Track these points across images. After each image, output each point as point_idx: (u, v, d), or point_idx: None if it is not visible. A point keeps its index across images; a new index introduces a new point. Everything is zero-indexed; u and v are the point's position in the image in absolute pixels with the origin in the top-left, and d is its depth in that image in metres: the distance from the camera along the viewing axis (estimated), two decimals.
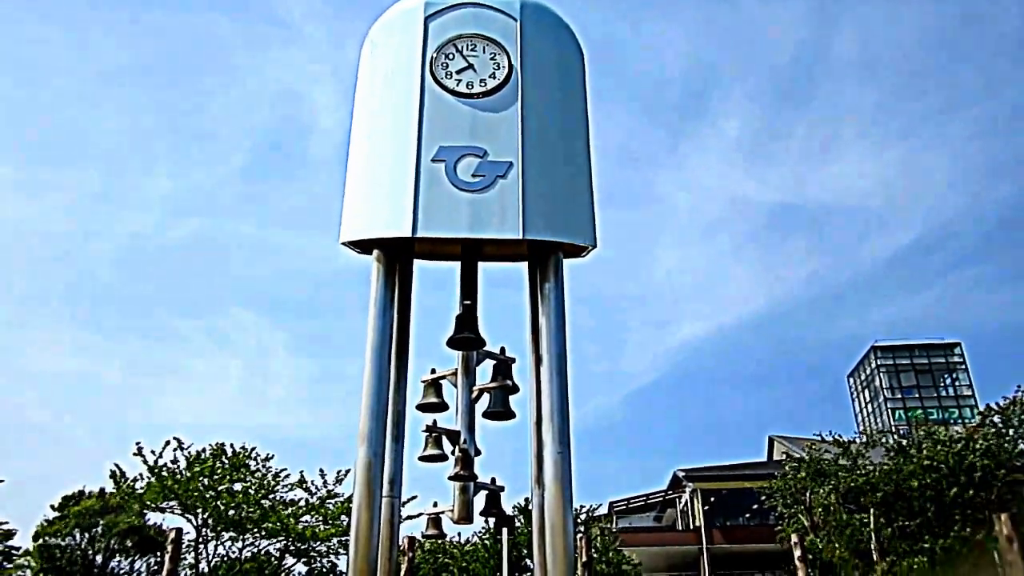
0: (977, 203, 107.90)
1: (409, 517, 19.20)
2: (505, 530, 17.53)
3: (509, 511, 25.50)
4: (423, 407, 4.95)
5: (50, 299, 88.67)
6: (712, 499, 42.03)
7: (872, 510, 22.50)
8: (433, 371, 5.02)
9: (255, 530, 22.83)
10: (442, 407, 4.95)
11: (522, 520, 25.49)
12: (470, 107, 4.69)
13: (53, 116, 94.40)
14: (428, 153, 4.52)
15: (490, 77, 4.76)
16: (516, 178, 4.49)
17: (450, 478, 4.65)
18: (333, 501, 23.60)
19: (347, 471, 22.65)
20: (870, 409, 72.65)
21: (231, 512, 22.28)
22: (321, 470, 23.77)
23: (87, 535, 29.82)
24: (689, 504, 42.93)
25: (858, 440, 25.37)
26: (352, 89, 4.96)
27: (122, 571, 30.49)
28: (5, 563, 29.10)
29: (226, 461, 22.81)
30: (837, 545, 23.13)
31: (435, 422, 4.88)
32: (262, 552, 23.91)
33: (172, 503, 22.28)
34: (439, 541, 24.96)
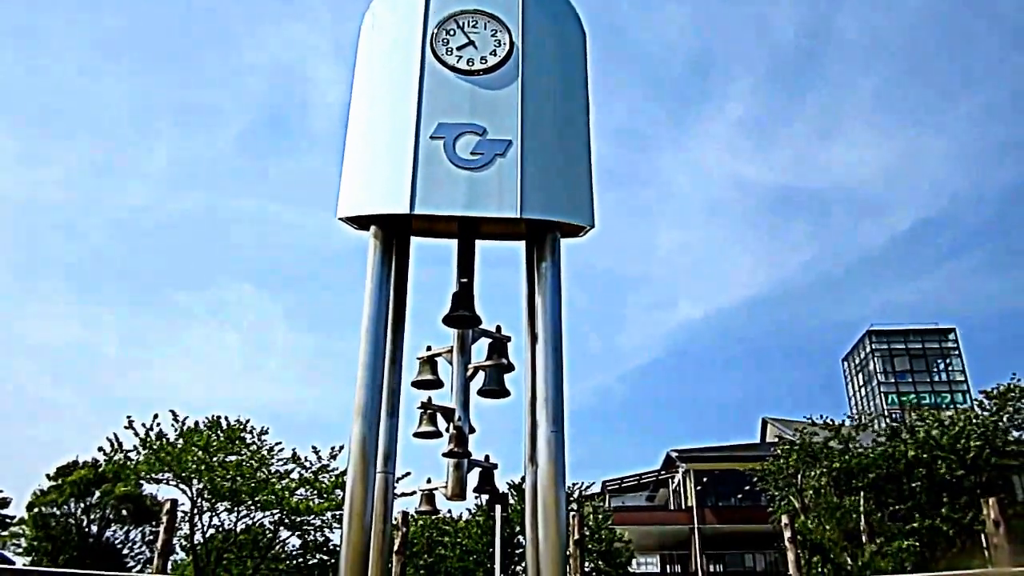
0: (976, 189, 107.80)
1: (403, 494, 19.26)
2: (498, 507, 17.65)
3: (502, 488, 25.67)
4: (418, 384, 4.97)
5: (48, 271, 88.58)
6: (704, 480, 42.36)
7: (862, 492, 22.71)
8: (429, 348, 5.03)
9: (249, 503, 22.97)
10: (437, 384, 4.96)
11: (515, 497, 25.68)
12: (470, 84, 4.66)
13: (52, 87, 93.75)
14: (427, 130, 4.50)
15: (491, 54, 4.73)
16: (515, 156, 4.47)
17: (444, 455, 4.67)
18: (327, 475, 23.73)
19: (341, 447, 22.77)
20: (863, 393, 73.04)
21: (226, 484, 22.41)
22: (314, 447, 23.90)
23: (82, 504, 30.00)
24: (682, 484, 43.26)
25: (848, 423, 25.55)
26: (352, 64, 4.93)
27: (117, 540, 30.71)
28: (0, 531, 29.29)
29: (221, 434, 22.91)
30: (827, 527, 23.36)
31: (430, 399, 4.90)
32: (256, 524, 24.09)
33: (167, 474, 22.40)
34: (432, 517, 25.14)
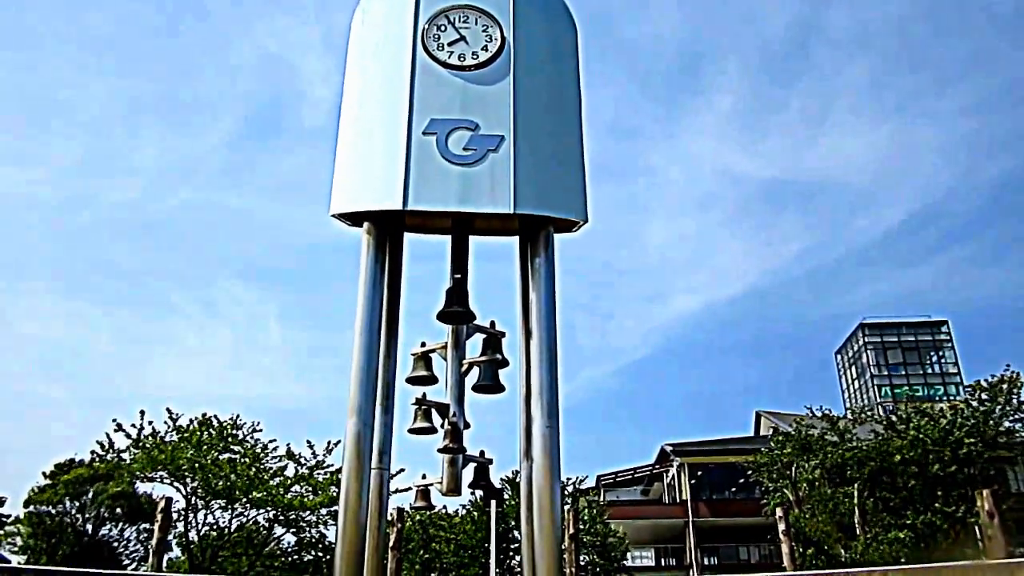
0: (968, 180, 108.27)
1: (398, 491, 19.34)
2: (493, 502, 17.68)
3: (497, 484, 25.69)
4: (413, 380, 4.97)
5: (39, 268, 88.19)
6: (699, 473, 42.43)
7: (856, 485, 22.79)
8: (423, 344, 5.03)
9: (244, 500, 22.95)
10: (432, 380, 4.97)
11: (510, 492, 25.71)
12: (462, 80, 4.65)
13: (40, 85, 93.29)
14: (419, 126, 4.50)
15: (482, 50, 4.73)
16: (507, 152, 4.47)
17: (439, 451, 4.68)
18: (322, 472, 23.71)
19: (337, 442, 22.75)
20: (857, 386, 73.33)
21: (219, 482, 22.38)
22: (309, 442, 23.86)
23: (77, 503, 29.92)
24: (676, 478, 43.35)
25: (847, 416, 25.65)
26: (343, 58, 4.92)
27: (112, 539, 30.65)
28: None
29: (212, 432, 22.87)
30: (821, 519, 23.45)
31: (425, 395, 4.90)
32: (251, 522, 24.07)
33: (161, 473, 22.36)
34: (428, 513, 25.16)
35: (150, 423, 22.39)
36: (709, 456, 42.25)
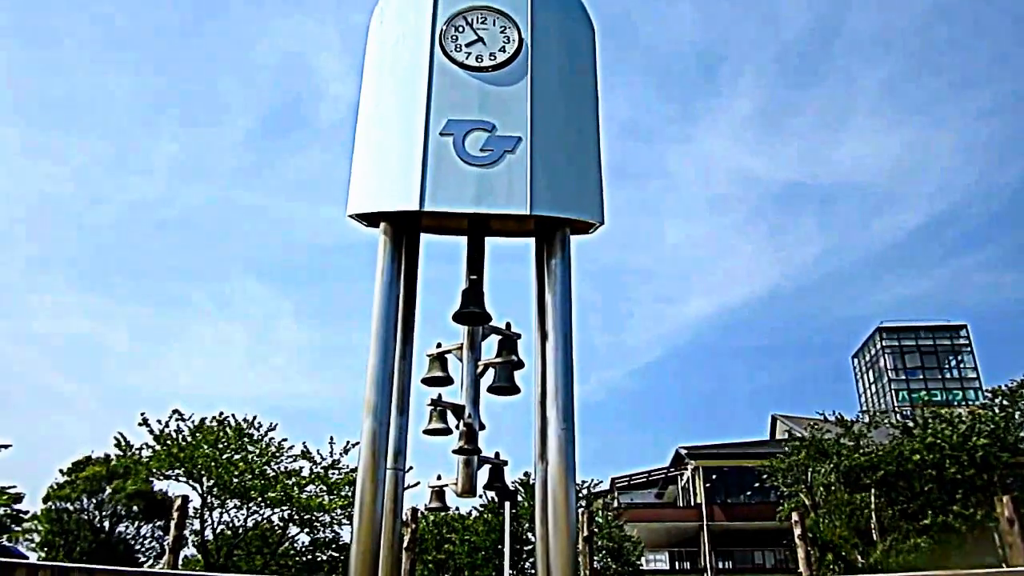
0: (987, 183, 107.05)
1: (408, 486, 19.33)
2: (507, 503, 17.67)
3: (511, 485, 25.68)
4: (428, 381, 4.97)
5: (57, 264, 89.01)
6: (714, 476, 42.28)
7: (873, 489, 22.61)
8: (439, 345, 5.03)
9: (259, 499, 23.06)
10: (447, 381, 4.96)
11: (524, 494, 25.69)
12: (479, 81, 4.65)
13: (60, 81, 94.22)
14: (436, 127, 4.50)
15: (500, 51, 4.73)
16: (524, 153, 4.46)
17: (454, 452, 4.67)
18: (337, 471, 23.77)
19: (355, 444, 22.80)
20: (874, 390, 72.75)
21: (235, 481, 22.50)
22: (331, 439, 23.91)
23: (94, 500, 30.22)
24: (691, 481, 43.21)
25: (860, 420, 25.45)
26: (360, 57, 4.93)
27: (128, 536, 30.92)
28: (14, 526, 29.52)
29: (229, 431, 23.01)
30: (837, 524, 23.28)
31: (440, 396, 4.90)
32: (265, 521, 24.18)
33: (178, 471, 22.51)
34: (442, 514, 25.19)
35: (178, 419, 22.52)
36: (724, 459, 42.10)
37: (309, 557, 25.43)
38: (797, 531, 12.41)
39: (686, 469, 44.02)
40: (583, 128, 4.74)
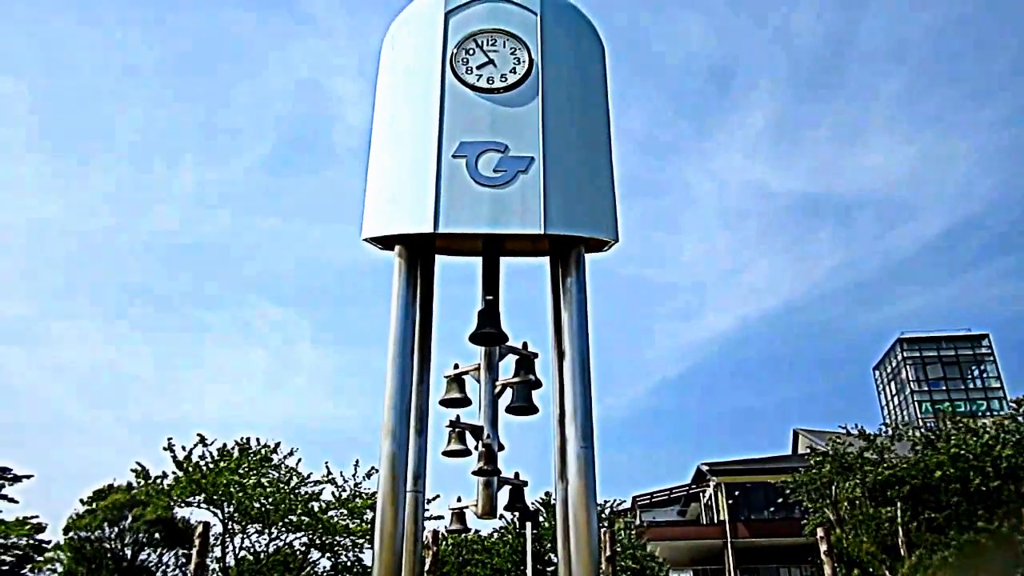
0: (1007, 192, 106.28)
1: (434, 518, 19.38)
2: (529, 524, 17.55)
3: (532, 506, 25.55)
4: (446, 402, 4.96)
5: (79, 293, 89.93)
6: (736, 493, 41.84)
7: (899, 503, 22.28)
8: (456, 366, 5.03)
9: (279, 524, 23.04)
10: (465, 402, 4.96)
11: (545, 514, 25.52)
12: (491, 102, 4.68)
13: (81, 112, 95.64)
14: (449, 149, 4.53)
15: (511, 72, 4.75)
16: (537, 173, 4.48)
17: (474, 473, 4.66)
18: (360, 496, 23.72)
19: (376, 469, 22.74)
20: (896, 402, 71.96)
21: (256, 505, 22.49)
22: (357, 461, 23.93)
23: (116, 528, 30.25)
24: (713, 498, 42.78)
25: (883, 433, 25.12)
26: (374, 83, 4.98)
27: (151, 564, 30.91)
28: (36, 556, 29.59)
29: (251, 456, 23.04)
30: (864, 539, 22.94)
31: (458, 417, 4.90)
32: (287, 546, 24.13)
33: (199, 497, 22.53)
34: (463, 535, 25.05)
35: (204, 445, 22.59)
36: (747, 475, 41.65)
37: None
38: (823, 547, 12.23)
39: (708, 486, 43.59)
40: (596, 146, 4.76)
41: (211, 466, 22.41)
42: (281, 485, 23.14)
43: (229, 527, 22.90)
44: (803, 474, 26.31)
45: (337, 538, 23.68)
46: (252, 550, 23.61)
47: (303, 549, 24.29)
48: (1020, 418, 22.95)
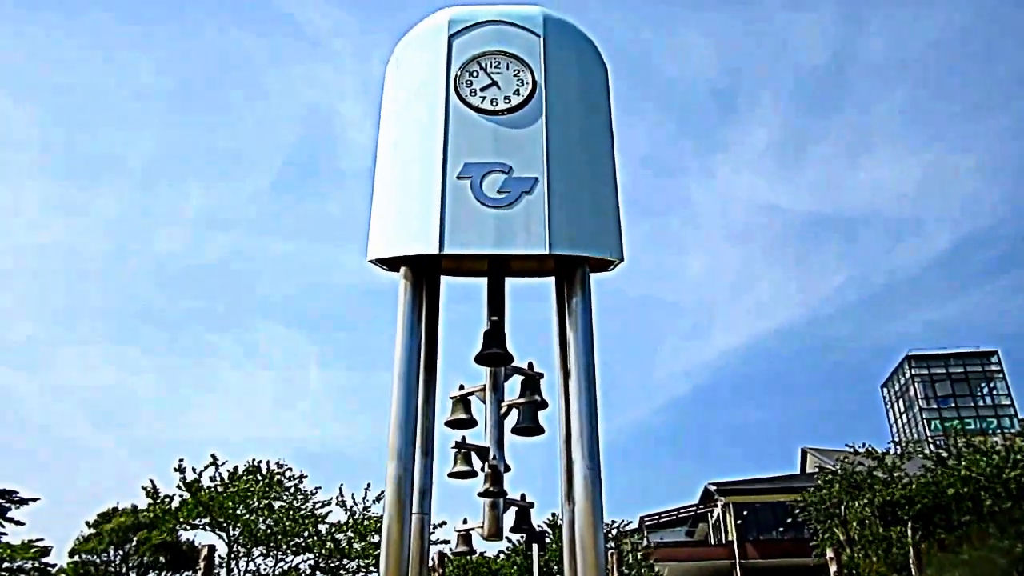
0: (1013, 204, 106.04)
1: (442, 542, 19.31)
2: (535, 546, 17.42)
3: (539, 527, 25.34)
4: (452, 423, 4.95)
5: (85, 316, 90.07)
6: (744, 513, 41.51)
7: (909, 523, 22.09)
8: (461, 387, 5.02)
9: (285, 547, 22.95)
10: (471, 423, 4.94)
11: (551, 535, 25.37)
12: (494, 124, 4.70)
13: (87, 137, 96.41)
14: (454, 170, 4.55)
15: (514, 94, 4.78)
16: (542, 193, 4.49)
17: (480, 494, 4.64)
18: (367, 518, 23.62)
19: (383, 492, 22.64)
20: (905, 420, 71.51)
21: (262, 528, 22.42)
22: (368, 484, 23.86)
23: (121, 552, 30.15)
24: (721, 518, 42.46)
25: (892, 452, 24.97)
26: (378, 105, 5.01)
27: None
28: None
29: (260, 479, 22.99)
30: (874, 559, 22.73)
31: (464, 438, 4.88)
32: (292, 569, 24.00)
33: (204, 520, 22.47)
34: (469, 558, 24.89)
35: (215, 466, 22.55)
36: (755, 495, 41.35)
37: None
38: (833, 568, 12.14)
39: (716, 506, 43.28)
40: (599, 166, 4.77)
41: (219, 489, 22.36)
42: (291, 511, 23.06)
43: (234, 550, 22.80)
44: (812, 494, 26.13)
45: (344, 561, 23.56)
46: (257, 573, 23.50)
47: (309, 572, 24.16)
48: None
